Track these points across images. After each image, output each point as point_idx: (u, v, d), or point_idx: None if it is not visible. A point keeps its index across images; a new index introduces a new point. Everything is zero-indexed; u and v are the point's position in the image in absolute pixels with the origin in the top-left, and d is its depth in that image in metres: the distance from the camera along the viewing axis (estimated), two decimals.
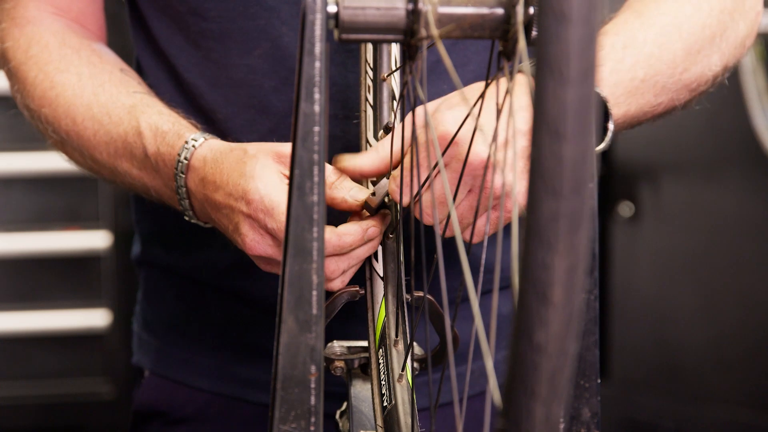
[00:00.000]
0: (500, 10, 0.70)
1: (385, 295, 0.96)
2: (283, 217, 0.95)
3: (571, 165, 0.49)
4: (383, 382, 0.90)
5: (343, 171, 0.97)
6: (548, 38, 0.49)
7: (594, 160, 0.51)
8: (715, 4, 1.11)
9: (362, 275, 0.99)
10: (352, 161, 0.97)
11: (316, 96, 0.74)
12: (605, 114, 1.03)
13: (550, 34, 0.49)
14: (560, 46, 0.49)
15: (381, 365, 0.92)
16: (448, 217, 0.93)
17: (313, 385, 0.75)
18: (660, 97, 1.09)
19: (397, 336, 0.92)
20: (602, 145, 1.04)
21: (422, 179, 0.91)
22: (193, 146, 1.04)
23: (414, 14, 0.72)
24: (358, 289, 0.98)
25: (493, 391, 0.56)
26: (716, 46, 1.11)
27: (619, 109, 1.06)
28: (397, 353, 0.91)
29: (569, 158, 0.49)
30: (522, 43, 0.60)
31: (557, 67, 0.49)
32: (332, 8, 0.74)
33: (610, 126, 1.03)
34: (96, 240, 2.52)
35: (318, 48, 0.74)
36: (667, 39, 1.08)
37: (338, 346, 0.99)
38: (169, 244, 1.25)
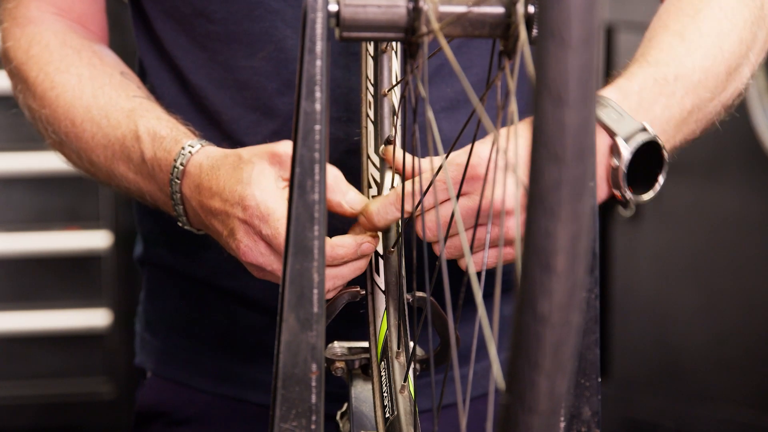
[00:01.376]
0: (500, 8, 0.70)
1: (387, 309, 0.95)
2: (278, 224, 0.95)
3: (573, 131, 0.49)
4: (385, 394, 0.90)
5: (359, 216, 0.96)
6: (549, 3, 0.49)
7: (594, 127, 0.50)
8: (747, 15, 1.10)
9: (363, 286, 0.98)
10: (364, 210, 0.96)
11: (317, 94, 0.74)
12: (659, 161, 1.01)
13: None
14: (561, 10, 0.49)
15: (383, 377, 0.92)
16: (447, 232, 0.93)
17: (314, 384, 0.75)
18: (700, 122, 1.08)
19: (399, 348, 0.92)
20: (651, 194, 1.03)
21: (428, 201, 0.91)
22: (190, 152, 1.04)
23: (415, 12, 0.72)
24: (359, 289, 0.97)
25: (497, 377, 0.56)
26: (748, 59, 1.10)
27: (667, 145, 1.04)
28: (399, 365, 0.91)
29: (571, 124, 0.49)
30: (523, 41, 0.60)
31: (558, 32, 0.49)
32: (333, 6, 0.74)
33: (662, 177, 1.02)
34: (96, 240, 2.52)
35: (319, 46, 0.74)
36: (711, 62, 1.06)
37: (339, 346, 0.99)
38: (171, 244, 1.25)
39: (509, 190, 0.90)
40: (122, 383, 2.54)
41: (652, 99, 1.02)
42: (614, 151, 0.99)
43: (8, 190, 2.51)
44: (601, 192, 1.01)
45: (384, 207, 0.95)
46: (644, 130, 1.00)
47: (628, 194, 1.00)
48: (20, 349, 2.54)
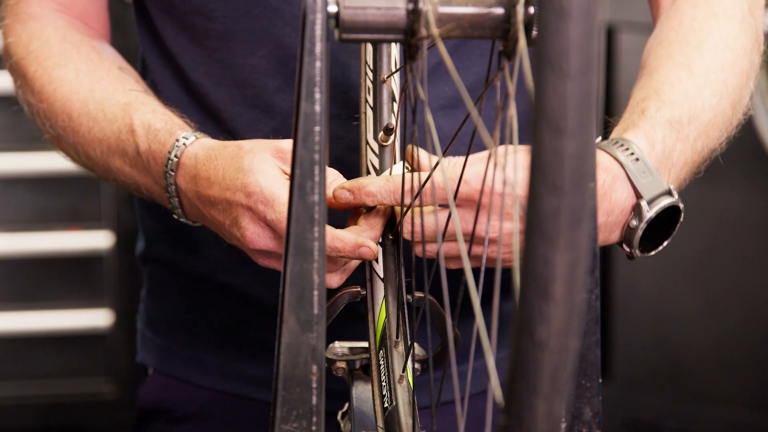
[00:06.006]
0: (500, 10, 0.70)
1: (386, 297, 0.95)
2: (283, 209, 0.94)
3: (571, 160, 0.49)
4: (384, 384, 0.90)
5: (350, 191, 0.97)
6: (548, 33, 0.49)
7: (594, 156, 0.51)
8: (746, 44, 1.10)
9: (362, 276, 0.99)
10: (359, 183, 0.96)
11: (317, 96, 0.74)
12: (673, 219, 1.02)
13: (550, 29, 0.49)
14: (560, 41, 0.49)
15: (382, 366, 0.92)
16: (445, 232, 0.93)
17: (314, 385, 0.75)
18: (706, 159, 1.09)
19: (397, 337, 0.92)
20: (659, 249, 1.03)
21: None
22: (184, 144, 1.04)
23: (414, 14, 0.72)
24: (359, 289, 0.97)
25: (495, 389, 0.56)
26: (748, 87, 1.11)
27: (676, 185, 1.05)
28: (397, 354, 0.91)
29: (570, 154, 0.49)
30: (522, 43, 0.60)
31: (557, 63, 0.49)
32: (333, 8, 0.74)
33: (670, 239, 1.02)
34: (98, 240, 2.52)
35: (318, 48, 0.74)
36: (718, 100, 1.06)
37: (340, 346, 0.99)
38: (172, 240, 1.25)
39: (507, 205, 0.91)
40: (124, 383, 2.54)
41: (671, 146, 1.03)
42: (636, 212, 0.99)
43: (10, 190, 2.51)
44: (613, 238, 1.01)
45: (384, 190, 0.95)
46: (669, 193, 1.00)
47: (637, 253, 1.01)
48: (22, 350, 2.54)
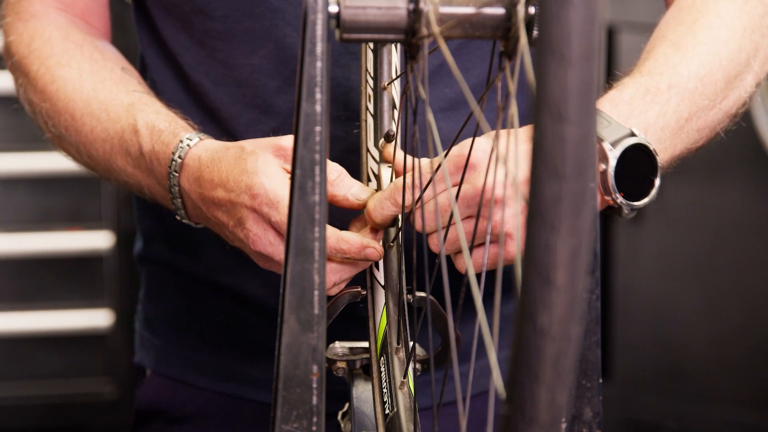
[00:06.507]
0: (501, 10, 0.70)
1: (386, 303, 0.95)
2: (287, 211, 0.95)
3: (573, 147, 0.49)
4: (385, 390, 0.90)
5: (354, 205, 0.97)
6: (549, 20, 0.49)
7: (595, 143, 0.51)
8: (747, 23, 1.09)
9: (363, 283, 0.99)
10: (364, 198, 0.96)
11: (318, 96, 0.74)
12: (653, 166, 1.00)
13: (551, 15, 0.49)
14: (561, 27, 0.49)
15: (383, 373, 0.92)
16: (447, 229, 0.93)
17: (315, 385, 0.75)
18: (702, 131, 1.07)
19: (398, 344, 0.92)
20: (646, 200, 1.02)
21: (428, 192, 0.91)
22: (188, 145, 1.04)
23: (415, 14, 0.72)
24: (359, 289, 0.97)
25: (496, 381, 0.56)
26: (750, 67, 1.09)
27: (665, 154, 1.03)
28: (398, 361, 0.91)
29: (571, 140, 0.49)
30: (523, 42, 0.60)
31: (558, 49, 0.49)
32: (334, 8, 0.74)
33: (657, 182, 1.01)
34: (98, 240, 2.52)
35: (319, 48, 0.74)
36: (708, 70, 1.06)
37: (340, 347, 0.99)
38: (171, 241, 1.25)
39: (508, 183, 0.90)
40: (124, 383, 2.54)
41: (644, 107, 1.02)
42: (601, 156, 0.99)
43: (10, 191, 2.51)
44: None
45: (379, 202, 0.95)
46: (632, 135, 0.99)
47: (620, 199, 0.99)
48: (22, 350, 2.54)
